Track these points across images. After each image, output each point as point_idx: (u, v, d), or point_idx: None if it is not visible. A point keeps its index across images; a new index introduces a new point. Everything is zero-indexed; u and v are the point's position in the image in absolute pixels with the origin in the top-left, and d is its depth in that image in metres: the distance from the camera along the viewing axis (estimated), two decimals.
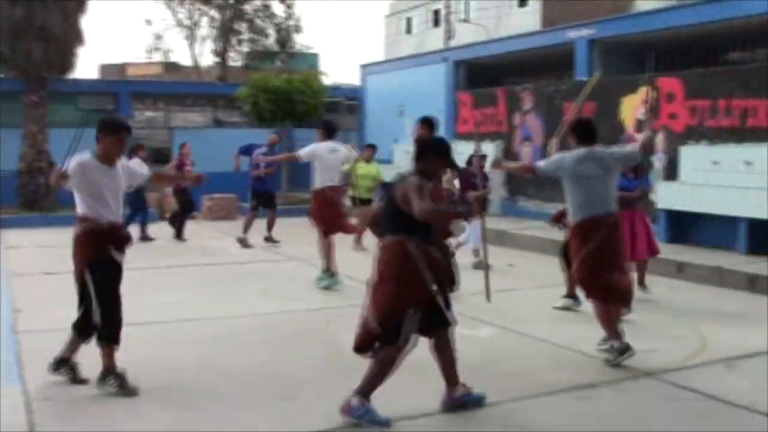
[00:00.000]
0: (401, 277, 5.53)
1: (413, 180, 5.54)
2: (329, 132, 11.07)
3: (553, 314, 9.19)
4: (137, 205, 15.18)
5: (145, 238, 15.32)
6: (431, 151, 5.81)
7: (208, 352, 7.60)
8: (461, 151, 16.60)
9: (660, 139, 14.50)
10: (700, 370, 7.06)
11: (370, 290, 5.69)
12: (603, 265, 6.99)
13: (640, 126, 14.80)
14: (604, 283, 7.02)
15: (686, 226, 13.49)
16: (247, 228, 14.63)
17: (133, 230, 13.46)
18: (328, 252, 10.79)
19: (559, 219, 9.60)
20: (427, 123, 9.71)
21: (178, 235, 15.76)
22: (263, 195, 15.10)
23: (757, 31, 13.69)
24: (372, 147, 15.72)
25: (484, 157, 10.25)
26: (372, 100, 25.02)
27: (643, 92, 14.44)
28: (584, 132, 7.18)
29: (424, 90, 21.93)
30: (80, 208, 6.40)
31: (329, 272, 10.76)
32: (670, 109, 14.41)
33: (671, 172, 14.07)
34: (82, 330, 6.41)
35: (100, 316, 6.24)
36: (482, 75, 20.68)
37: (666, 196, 13.59)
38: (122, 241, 6.48)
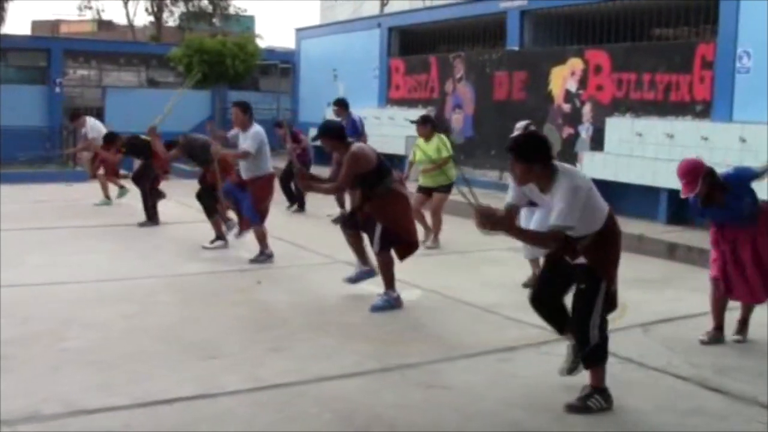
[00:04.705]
0: None
1: None
2: None
3: (479, 278, 9.26)
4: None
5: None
6: None
7: (132, 312, 7.53)
8: (392, 116, 16.59)
9: (587, 110, 14.67)
10: (619, 333, 7.18)
11: None
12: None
13: (568, 96, 14.97)
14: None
15: (610, 196, 13.59)
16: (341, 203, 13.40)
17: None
18: None
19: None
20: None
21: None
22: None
23: (680, 9, 13.86)
24: (426, 120, 11.81)
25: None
26: (306, 64, 24.81)
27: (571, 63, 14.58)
28: None
29: (357, 55, 21.82)
30: None
31: None
32: (598, 81, 14.55)
33: (597, 143, 14.24)
34: None
35: None
36: (416, 42, 20.63)
37: (591, 165, 13.76)
38: None
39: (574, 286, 5.46)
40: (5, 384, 5.53)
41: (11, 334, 6.65)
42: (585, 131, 14.73)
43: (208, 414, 5.15)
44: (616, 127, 13.67)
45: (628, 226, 11.91)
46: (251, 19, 45.31)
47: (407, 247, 8.02)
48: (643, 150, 12.99)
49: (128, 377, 5.75)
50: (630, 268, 10.10)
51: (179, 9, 38.29)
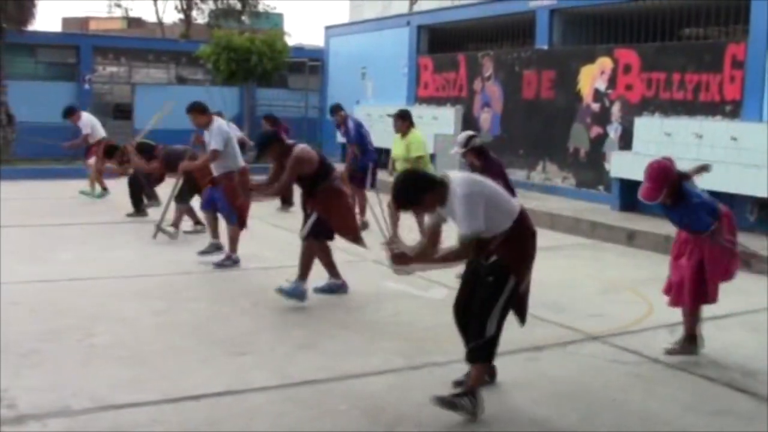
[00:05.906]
0: None
1: None
2: None
3: None
4: None
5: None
6: None
7: (161, 308, 7.61)
8: (421, 114, 16.58)
9: (616, 109, 14.62)
10: (646, 334, 7.20)
11: None
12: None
13: (597, 95, 14.92)
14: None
15: (637, 196, 13.60)
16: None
17: None
18: None
19: None
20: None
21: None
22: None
23: (711, 9, 13.78)
24: (402, 116, 11.38)
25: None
26: (335, 62, 24.86)
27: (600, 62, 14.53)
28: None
29: (386, 53, 21.82)
30: None
31: None
32: (627, 81, 14.50)
33: (626, 143, 14.19)
34: None
35: None
36: (444, 40, 20.62)
37: (619, 165, 13.72)
38: None
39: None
40: (35, 378, 5.61)
41: (41, 329, 6.74)
42: (613, 131, 14.68)
43: (236, 410, 5.20)
44: (645, 126, 13.61)
45: (656, 226, 11.88)
46: (280, 16, 45.46)
47: (346, 235, 8.39)
48: (671, 150, 12.85)
49: (157, 373, 5.82)
50: (657, 269, 10.11)
51: (208, 6, 38.45)
